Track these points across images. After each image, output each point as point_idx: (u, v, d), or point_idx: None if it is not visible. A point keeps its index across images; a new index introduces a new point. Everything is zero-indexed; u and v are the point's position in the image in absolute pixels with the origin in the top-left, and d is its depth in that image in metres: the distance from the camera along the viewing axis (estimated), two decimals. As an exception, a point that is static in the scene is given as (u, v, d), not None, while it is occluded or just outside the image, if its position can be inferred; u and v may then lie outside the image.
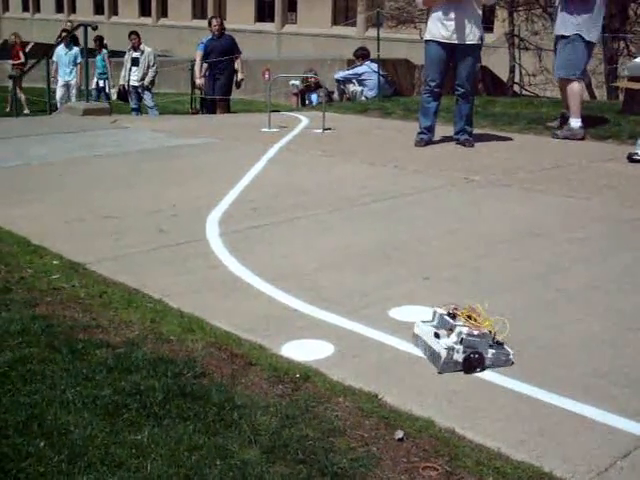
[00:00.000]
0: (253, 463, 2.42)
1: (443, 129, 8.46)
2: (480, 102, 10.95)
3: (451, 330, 3.24)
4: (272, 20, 31.86)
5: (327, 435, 2.62)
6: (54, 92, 15.21)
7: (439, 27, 7.71)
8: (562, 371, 3.16)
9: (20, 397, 2.78)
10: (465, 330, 3.19)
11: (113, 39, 22.17)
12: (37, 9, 43.76)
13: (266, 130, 9.11)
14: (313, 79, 14.47)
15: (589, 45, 8.27)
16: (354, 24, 26.46)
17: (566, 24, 8.13)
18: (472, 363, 3.16)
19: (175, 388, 2.85)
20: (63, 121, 10.73)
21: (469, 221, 5.33)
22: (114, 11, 39.38)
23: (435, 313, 3.38)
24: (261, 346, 3.34)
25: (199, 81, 13.55)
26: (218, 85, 12.98)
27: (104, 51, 16.02)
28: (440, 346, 3.20)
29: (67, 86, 15.30)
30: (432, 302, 3.83)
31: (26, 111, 17.05)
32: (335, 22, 29.50)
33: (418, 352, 3.34)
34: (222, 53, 12.90)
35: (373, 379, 3.08)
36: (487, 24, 21.44)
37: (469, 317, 3.23)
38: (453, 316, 3.28)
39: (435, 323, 3.35)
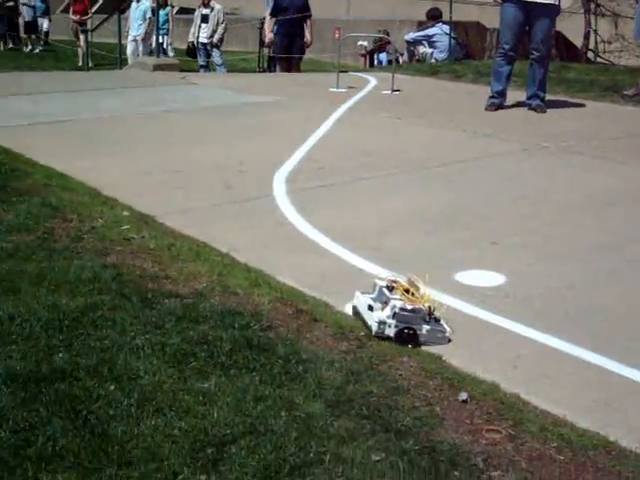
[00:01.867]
0: (317, 416, 2.44)
1: (515, 94, 8.28)
2: (554, 68, 10.66)
3: (386, 303, 3.12)
4: (342, -20, 31.49)
5: (391, 393, 2.63)
6: (125, 47, 15.35)
7: None
8: (631, 342, 3.11)
9: (91, 342, 2.85)
10: (399, 304, 3.08)
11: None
12: (109, -35, 44.07)
13: (334, 90, 9.05)
14: (383, 40, 14.28)
15: None
16: (426, -15, 25.99)
17: None
18: (404, 338, 3.04)
19: (242, 339, 2.88)
20: (133, 76, 10.83)
21: (540, 187, 5.24)
22: (185, -32, 39.42)
23: (375, 285, 3.25)
24: (326, 303, 3.36)
25: (268, 39, 13.44)
26: (295, 44, 12.78)
27: (168, 7, 16.05)
28: (373, 319, 3.10)
29: (136, 41, 15.41)
30: (499, 267, 3.81)
31: (80, 63, 17.27)
32: (406, -17, 29.01)
33: (484, 316, 3.31)
34: (296, 11, 12.66)
35: (438, 341, 3.07)
36: (562, -13, 20.85)
37: (407, 291, 3.12)
38: (391, 289, 3.16)
39: (374, 295, 3.22)
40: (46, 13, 21.70)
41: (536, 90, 7.91)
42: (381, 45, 14.73)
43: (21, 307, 3.07)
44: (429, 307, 3.10)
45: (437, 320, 3.10)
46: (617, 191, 5.15)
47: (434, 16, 13.55)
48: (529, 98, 7.99)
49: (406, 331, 3.05)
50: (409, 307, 3.08)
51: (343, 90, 9.05)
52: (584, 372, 2.88)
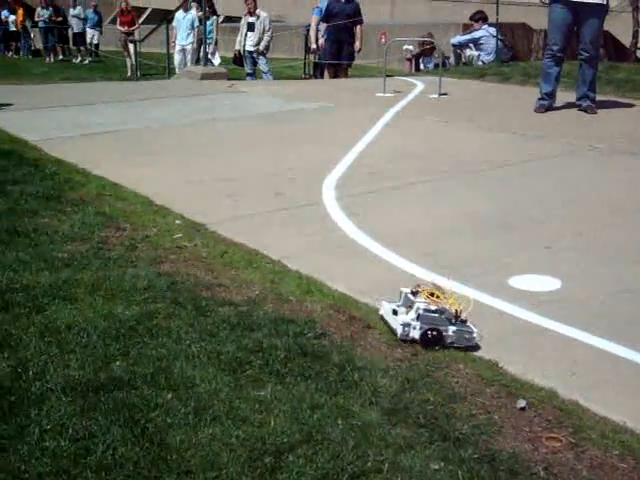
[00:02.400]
0: (374, 424, 2.43)
1: (564, 95, 8.18)
2: (602, 68, 10.52)
3: (410, 307, 3.09)
4: (386, -16, 31.45)
5: (448, 400, 2.61)
6: (173, 57, 15.53)
7: None
8: (693, 347, 3.04)
9: (147, 350, 2.87)
10: (422, 305, 3.04)
11: (228, 4, 22.40)
12: (155, -25, 44.61)
13: (381, 95, 9.04)
14: (427, 44, 14.22)
15: None
16: (470, -13, 25.81)
17: None
18: (429, 340, 3.01)
19: (296, 347, 2.89)
20: (182, 85, 10.96)
21: (593, 190, 5.16)
22: (229, -23, 39.74)
23: (401, 293, 3.22)
24: (379, 310, 3.34)
25: (314, 46, 13.46)
26: (344, 50, 12.78)
27: (214, 17, 16.18)
28: (397, 322, 3.07)
29: (184, 50, 15.56)
30: (554, 271, 3.76)
31: (129, 73, 17.56)
32: (451, -15, 28.85)
33: (539, 322, 3.27)
34: (347, 18, 12.65)
35: (493, 347, 3.04)
36: (610, -14, 20.54)
37: (431, 294, 3.09)
38: (415, 294, 3.13)
39: (400, 303, 3.19)
40: (98, 25, 22.00)
41: (586, 91, 7.81)
42: (425, 50, 14.65)
43: (78, 316, 3.11)
44: (455, 309, 3.07)
45: (463, 321, 3.06)
46: (673, 192, 5.05)
47: (480, 19, 13.46)
48: (579, 99, 7.88)
49: (430, 332, 3.03)
50: (433, 308, 3.06)
51: (390, 95, 9.03)
52: (644, 378, 2.82)
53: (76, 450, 2.28)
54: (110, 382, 2.63)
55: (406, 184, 5.30)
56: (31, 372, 2.67)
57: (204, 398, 2.55)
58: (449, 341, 3.04)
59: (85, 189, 5.01)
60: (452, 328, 3.04)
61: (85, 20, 22.39)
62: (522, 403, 2.62)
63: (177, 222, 4.45)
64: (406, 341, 3.05)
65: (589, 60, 7.71)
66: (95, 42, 22.29)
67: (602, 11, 7.58)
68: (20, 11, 23.39)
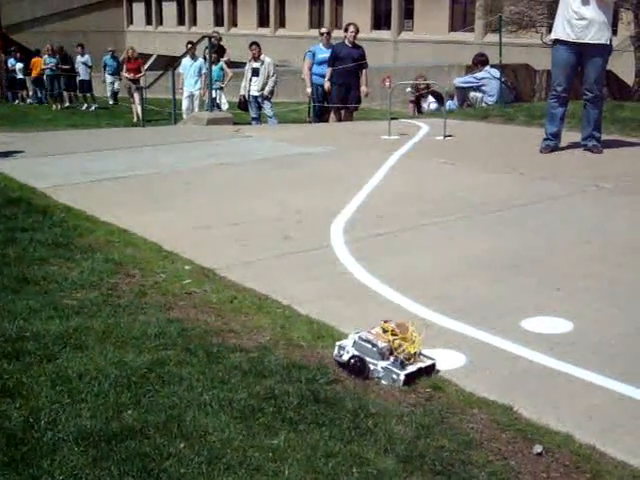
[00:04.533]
0: (390, 472, 2.40)
1: (569, 135, 8.22)
2: (607, 107, 10.58)
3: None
4: (388, 28, 31.85)
5: (463, 447, 2.58)
6: (179, 103, 15.67)
7: (567, 26, 7.51)
8: None
9: (159, 398, 2.85)
10: (362, 334, 3.12)
11: (232, 50, 22.68)
12: (160, 22, 45.27)
13: (386, 137, 9.10)
14: (424, 86, 14.27)
15: None
16: (472, 30, 26.13)
17: None
18: (351, 367, 3.08)
19: (309, 394, 2.86)
20: (188, 130, 11.05)
21: (602, 230, 5.15)
22: (233, 22, 40.30)
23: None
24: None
25: (309, 90, 13.59)
26: (351, 94, 12.88)
27: (220, 62, 16.38)
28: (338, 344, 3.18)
29: (192, 96, 15.72)
30: (565, 313, 3.74)
31: (134, 119, 17.77)
32: (452, 28, 29.21)
33: (553, 364, 3.24)
34: (354, 62, 12.76)
35: (507, 391, 3.01)
36: (611, 26, 20.75)
37: (385, 330, 3.14)
38: (385, 330, 3.17)
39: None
40: (116, 73, 22.03)
41: (591, 131, 7.85)
42: (421, 91, 14.69)
43: (89, 364, 3.10)
44: (395, 347, 3.08)
45: (402, 363, 3.06)
46: (682, 231, 5.04)
47: (481, 62, 13.58)
48: (585, 139, 7.92)
49: (354, 360, 3.08)
50: (369, 339, 3.11)
51: (395, 137, 9.09)
52: (661, 421, 2.79)
53: (89, 502, 2.25)
54: (122, 431, 2.61)
55: (414, 227, 5.30)
56: (43, 422, 2.65)
57: (217, 447, 2.53)
58: (376, 375, 3.07)
59: (94, 236, 5.02)
60: (382, 364, 3.07)
61: (91, 67, 22.68)
62: (539, 448, 2.59)
63: (186, 268, 4.45)
64: (339, 363, 3.14)
65: (594, 100, 7.77)
66: (116, 89, 22.39)
67: (605, 51, 7.65)
68: (37, 60, 23.59)
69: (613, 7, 8.05)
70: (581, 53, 7.56)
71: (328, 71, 12.76)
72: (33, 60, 23.74)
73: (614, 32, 21.27)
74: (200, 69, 15.54)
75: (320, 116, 13.38)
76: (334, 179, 7.00)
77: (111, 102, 22.25)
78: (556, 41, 7.70)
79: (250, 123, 14.14)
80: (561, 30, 7.59)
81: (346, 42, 12.87)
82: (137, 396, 2.86)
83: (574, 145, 8.04)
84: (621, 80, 17.94)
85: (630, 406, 2.91)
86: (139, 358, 3.17)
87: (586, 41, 7.46)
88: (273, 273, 4.43)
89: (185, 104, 15.65)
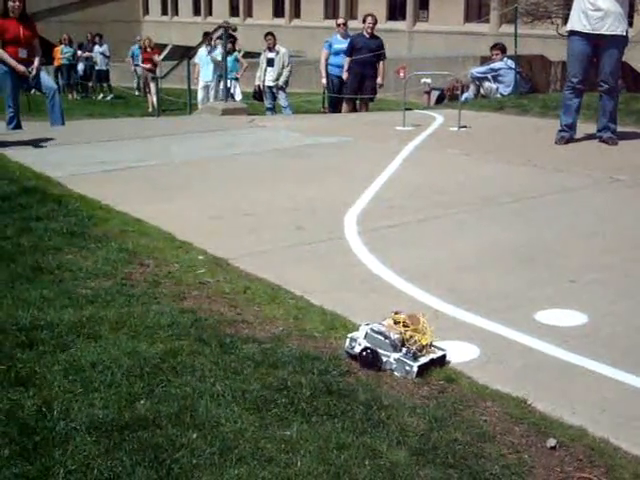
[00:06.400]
0: (402, 465, 2.39)
1: (584, 127, 8.16)
2: (622, 99, 10.49)
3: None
4: (404, 18, 31.70)
5: (477, 440, 2.56)
6: (194, 93, 15.67)
7: (583, 17, 7.45)
8: None
9: (172, 389, 2.85)
10: (375, 326, 3.11)
11: (248, 40, 22.64)
12: (175, 12, 45.26)
13: (401, 128, 9.06)
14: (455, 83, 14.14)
15: None
16: (487, 21, 25.97)
17: None
18: (363, 359, 3.06)
19: (321, 385, 2.86)
20: (203, 121, 11.04)
21: (616, 222, 5.12)
22: (249, 13, 40.24)
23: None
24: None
25: (324, 80, 13.56)
26: (367, 85, 12.85)
27: (235, 53, 16.36)
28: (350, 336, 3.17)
29: (207, 87, 15.70)
30: (580, 306, 3.72)
31: (150, 109, 17.78)
32: (467, 19, 29.04)
33: (567, 357, 3.23)
34: (371, 53, 12.72)
35: (521, 384, 2.99)
36: (627, 18, 20.59)
37: (396, 322, 3.13)
38: (396, 322, 3.16)
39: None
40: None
41: (607, 122, 7.80)
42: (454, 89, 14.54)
43: (102, 354, 3.10)
44: (407, 338, 3.07)
45: (414, 355, 3.05)
46: (699, 224, 5.00)
47: (499, 49, 13.51)
48: (600, 130, 7.87)
49: (366, 352, 3.06)
50: (382, 330, 3.09)
51: (410, 128, 9.06)
52: (676, 415, 2.77)
53: (101, 491, 2.26)
54: (135, 421, 2.61)
55: (428, 218, 5.28)
56: (55, 411, 2.65)
57: (229, 438, 2.52)
58: (389, 367, 3.06)
59: (108, 225, 5.03)
60: (394, 355, 3.06)
61: (109, 57, 22.70)
62: (552, 442, 2.58)
63: (200, 257, 4.45)
64: (350, 355, 3.12)
65: (609, 91, 7.71)
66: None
67: (621, 42, 7.59)
68: (58, 49, 23.46)
69: None
70: (597, 44, 7.50)
71: (346, 61, 12.74)
72: (55, 49, 23.74)
73: (630, 23, 21.13)
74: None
75: (335, 107, 13.37)
76: (347, 170, 6.98)
77: (137, 93, 22.20)
78: (572, 32, 7.64)
79: (265, 113, 14.13)
80: (577, 21, 7.53)
81: (364, 33, 12.83)
82: (150, 386, 2.86)
83: (589, 137, 7.99)
84: (637, 72, 17.79)
85: (644, 400, 2.89)
86: (152, 348, 3.17)
87: (602, 32, 7.40)
88: (286, 263, 4.42)
89: (200, 95, 15.65)
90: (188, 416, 2.65)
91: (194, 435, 2.54)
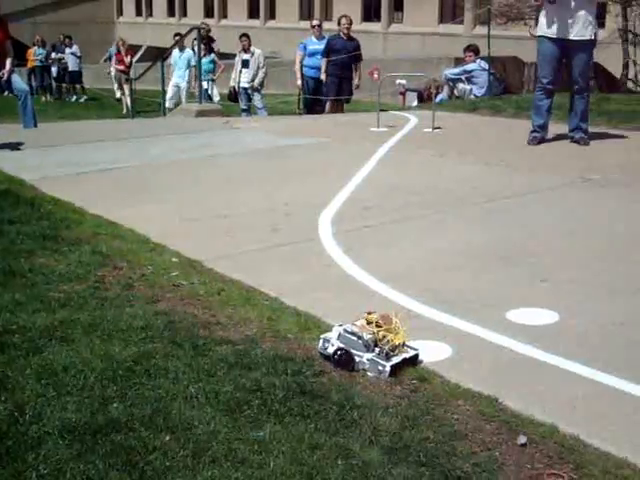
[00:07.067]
0: (375, 464, 2.41)
1: (557, 127, 8.24)
2: (594, 99, 10.62)
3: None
4: (378, 20, 31.82)
5: (448, 438, 2.59)
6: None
7: (552, 23, 7.53)
8: (691, 378, 3.03)
9: (145, 391, 2.85)
10: (348, 327, 3.14)
11: (223, 42, 22.59)
12: (150, 13, 45.08)
13: (375, 130, 9.10)
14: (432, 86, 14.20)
15: None
16: (461, 22, 26.13)
17: None
18: (336, 360, 3.08)
19: (295, 386, 2.87)
20: (177, 122, 11.01)
21: (588, 222, 5.18)
22: (224, 14, 40.17)
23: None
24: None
25: (299, 82, 13.59)
26: (344, 86, 12.88)
27: (212, 55, 16.33)
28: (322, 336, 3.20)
29: (178, 88, 15.67)
30: (551, 304, 3.76)
31: (124, 111, 17.71)
32: (442, 20, 29.21)
33: (538, 356, 3.26)
34: (348, 54, 12.74)
35: (492, 382, 3.02)
36: (599, 19, 20.83)
37: (369, 322, 3.15)
38: (369, 322, 3.18)
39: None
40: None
41: (578, 122, 7.88)
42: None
43: (75, 357, 3.10)
44: (380, 338, 3.09)
45: (387, 355, 3.07)
46: (668, 223, 5.07)
47: (473, 50, 13.60)
48: (572, 131, 7.95)
49: (339, 352, 3.08)
50: (354, 330, 3.11)
51: (384, 129, 9.09)
52: (645, 412, 2.81)
53: (74, 495, 2.26)
54: (108, 424, 2.61)
55: (402, 218, 5.31)
56: (28, 415, 2.65)
57: (202, 440, 2.53)
58: (362, 367, 3.08)
59: (81, 228, 5.01)
60: (367, 355, 3.08)
61: (80, 58, 22.54)
62: (523, 439, 2.61)
63: (174, 260, 4.44)
64: (323, 355, 3.13)
65: (580, 92, 7.80)
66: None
67: (590, 46, 7.70)
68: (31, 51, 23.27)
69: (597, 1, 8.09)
70: (566, 47, 7.58)
71: (323, 62, 12.77)
72: (28, 51, 23.53)
73: (602, 25, 21.35)
74: (189, 61, 15.49)
75: (310, 108, 13.39)
76: (322, 171, 7.00)
77: (118, 96, 22.04)
78: (541, 35, 7.72)
79: (240, 115, 14.12)
80: (547, 25, 7.60)
81: (341, 34, 12.87)
82: (123, 389, 2.86)
83: (562, 137, 8.06)
84: (609, 72, 17.98)
85: (613, 397, 2.93)
86: (125, 351, 3.17)
87: (571, 37, 7.49)
88: (261, 265, 4.43)
89: (170, 93, 15.59)
90: (161, 419, 2.66)
91: (167, 437, 2.54)
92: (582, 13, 7.43)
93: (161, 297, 3.84)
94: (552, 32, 7.55)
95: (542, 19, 7.68)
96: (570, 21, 7.44)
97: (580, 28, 7.47)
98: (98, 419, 2.64)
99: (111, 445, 2.49)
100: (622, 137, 8.26)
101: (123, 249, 4.59)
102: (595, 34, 7.63)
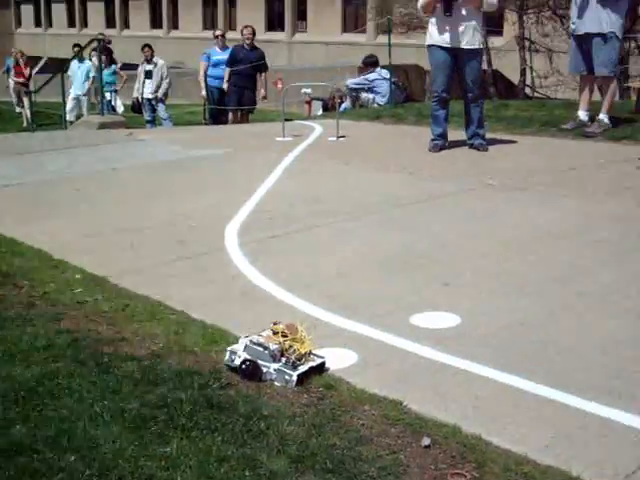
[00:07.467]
0: (282, 473, 2.44)
1: (457, 134, 8.45)
2: (492, 106, 10.95)
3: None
4: (282, 29, 31.98)
5: (354, 444, 2.63)
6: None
7: (440, 32, 7.73)
8: (585, 374, 3.16)
9: (49, 412, 2.81)
10: (254, 338, 3.18)
11: (125, 53, 22.30)
12: (49, 24, 44.07)
13: (281, 139, 9.14)
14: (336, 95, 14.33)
15: (620, 43, 8.37)
16: (364, 31, 26.51)
17: (601, 21, 8.07)
18: (243, 371, 3.13)
19: (202, 399, 2.87)
20: (79, 135, 10.79)
21: (488, 226, 5.33)
22: (125, 24, 39.62)
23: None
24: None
25: (204, 92, 13.55)
26: (246, 96, 12.88)
27: (113, 66, 16.10)
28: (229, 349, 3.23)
29: (78, 100, 15.40)
30: (453, 308, 3.86)
31: (25, 124, 17.25)
32: (345, 29, 29.57)
33: (441, 358, 3.35)
34: (251, 64, 12.73)
35: (397, 387, 3.09)
36: (497, 27, 21.52)
37: (275, 332, 3.20)
38: (275, 332, 3.22)
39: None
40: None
41: (475, 129, 8.09)
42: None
43: (-26, 380, 3.02)
44: (286, 348, 3.13)
45: (293, 364, 3.11)
46: (563, 225, 5.27)
47: (371, 63, 13.79)
48: (470, 138, 8.15)
49: (246, 364, 3.11)
50: (260, 341, 3.15)
51: (289, 139, 9.14)
52: (541, 408, 2.92)
53: (-25, 522, 2.20)
54: (11, 447, 2.56)
55: (309, 227, 5.36)
56: None
57: (108, 458, 2.51)
58: (269, 377, 3.11)
59: (-21, 247, 4.87)
60: (274, 365, 3.12)
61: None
62: (426, 441, 2.67)
63: (77, 276, 4.37)
64: (231, 368, 3.15)
65: (474, 100, 8.01)
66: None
67: (479, 53, 7.97)
68: None
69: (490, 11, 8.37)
70: (456, 55, 7.78)
71: (226, 72, 12.74)
72: None
73: (500, 33, 21.98)
74: (88, 72, 15.24)
75: (215, 118, 13.34)
76: (228, 182, 6.99)
77: (18, 110, 21.39)
78: (431, 44, 7.90)
79: (145, 126, 13.95)
80: (436, 35, 7.79)
81: (244, 45, 12.87)
82: (26, 411, 2.81)
83: (461, 143, 8.26)
84: (507, 79, 18.56)
85: (514, 395, 3.03)
86: (27, 371, 3.11)
87: (462, 46, 7.71)
88: (167, 279, 4.40)
89: (70, 105, 15.30)
90: (66, 439, 2.62)
91: (72, 458, 2.51)
92: (471, 23, 7.66)
93: (64, 315, 3.78)
94: (444, 41, 7.74)
95: (432, 28, 7.86)
96: (461, 30, 7.65)
97: (470, 37, 7.70)
98: (0, 442, 2.58)
99: (14, 468, 2.45)
100: (521, 142, 8.52)
101: (24, 267, 4.49)
102: (482, 42, 7.90)
